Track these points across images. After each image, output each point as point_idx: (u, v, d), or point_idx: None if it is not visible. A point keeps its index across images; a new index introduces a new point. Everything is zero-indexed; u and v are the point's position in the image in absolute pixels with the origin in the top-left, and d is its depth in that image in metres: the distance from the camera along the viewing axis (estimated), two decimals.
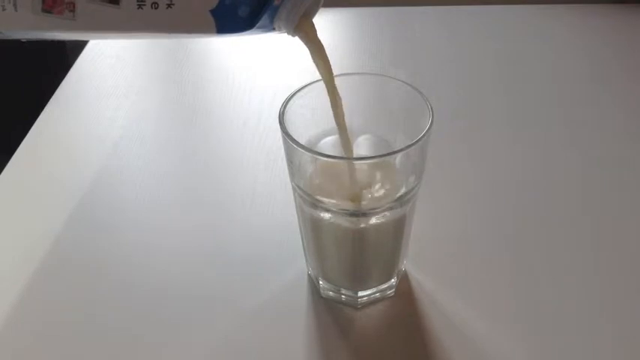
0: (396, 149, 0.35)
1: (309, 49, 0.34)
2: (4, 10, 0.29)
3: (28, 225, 0.49)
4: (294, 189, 0.38)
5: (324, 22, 0.72)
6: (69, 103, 0.62)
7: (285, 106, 0.36)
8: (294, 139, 0.34)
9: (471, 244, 0.45)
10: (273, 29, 0.32)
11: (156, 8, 0.28)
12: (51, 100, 0.62)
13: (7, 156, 0.55)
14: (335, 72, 0.36)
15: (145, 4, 0.28)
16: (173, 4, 0.28)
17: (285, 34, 0.33)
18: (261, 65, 0.66)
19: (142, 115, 0.60)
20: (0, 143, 0.73)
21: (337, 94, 0.35)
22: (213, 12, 0.28)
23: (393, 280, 0.42)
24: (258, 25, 0.30)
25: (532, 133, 0.55)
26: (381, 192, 0.37)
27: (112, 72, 0.65)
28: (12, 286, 0.44)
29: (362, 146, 0.40)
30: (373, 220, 0.37)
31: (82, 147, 0.56)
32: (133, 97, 0.62)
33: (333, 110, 0.36)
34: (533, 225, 0.47)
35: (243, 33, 0.30)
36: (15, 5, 0.29)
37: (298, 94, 0.37)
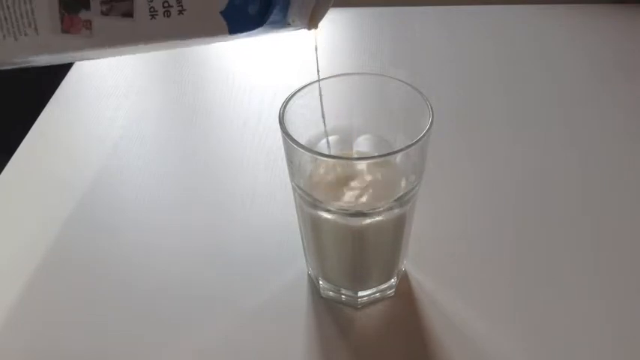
0: (396, 149, 0.35)
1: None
2: (26, 35, 0.30)
3: (28, 225, 0.49)
4: (294, 189, 0.38)
5: (324, 22, 0.72)
6: (69, 103, 0.62)
7: (285, 106, 0.36)
8: (294, 139, 0.34)
9: (471, 244, 0.45)
10: (288, 25, 0.32)
11: (168, 16, 0.28)
12: (51, 100, 0.62)
13: (7, 156, 0.55)
14: (335, 72, 0.36)
15: (157, 14, 0.28)
16: (185, 10, 0.28)
17: (301, 29, 0.33)
18: (261, 65, 0.66)
19: (142, 115, 0.60)
20: (0, 143, 0.73)
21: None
22: (224, 13, 0.29)
23: (393, 280, 0.42)
24: (270, 20, 0.30)
25: (532, 133, 0.55)
26: (381, 192, 0.37)
27: (112, 72, 0.65)
28: (12, 286, 0.44)
29: (362, 146, 0.40)
30: (373, 220, 0.37)
31: (82, 147, 0.56)
32: (133, 97, 0.62)
33: None
34: (533, 225, 0.47)
35: (256, 31, 0.30)
36: (36, 29, 0.30)
37: (298, 94, 0.37)
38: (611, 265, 0.43)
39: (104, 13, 0.29)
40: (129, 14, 0.29)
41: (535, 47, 0.67)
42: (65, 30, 0.29)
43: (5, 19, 0.30)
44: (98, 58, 0.33)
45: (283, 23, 0.31)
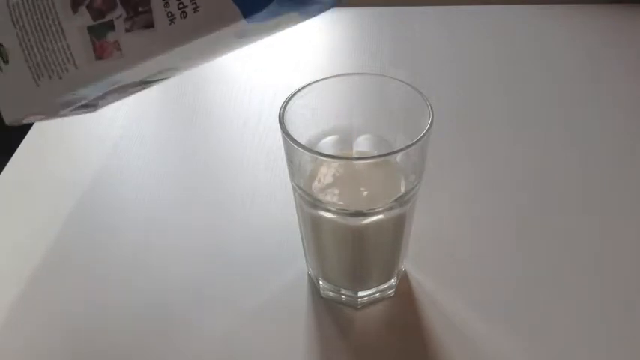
0: (396, 149, 0.35)
1: None
2: (67, 71, 0.31)
3: (29, 225, 0.49)
4: (294, 189, 0.38)
5: (325, 22, 0.72)
6: None
7: (285, 106, 0.36)
8: (294, 139, 0.34)
9: (471, 245, 0.45)
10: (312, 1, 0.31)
11: (185, 17, 0.29)
12: None
13: (7, 156, 0.55)
14: (335, 72, 0.36)
15: (175, 17, 0.29)
16: (199, 7, 0.29)
17: (327, 7, 0.32)
18: (261, 65, 0.66)
19: (142, 115, 0.60)
20: (0, 143, 0.73)
21: None
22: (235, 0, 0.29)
23: (393, 280, 0.42)
24: None
25: (532, 133, 0.55)
26: (381, 192, 0.37)
27: None
28: (12, 286, 0.44)
29: (362, 146, 0.40)
30: (373, 220, 0.37)
31: (82, 147, 0.56)
32: (133, 97, 0.62)
33: None
34: (533, 225, 0.47)
35: (270, 9, 0.30)
36: (75, 64, 0.31)
37: (298, 94, 0.37)
38: (611, 265, 0.43)
39: (128, 30, 0.29)
40: (150, 25, 0.29)
41: (535, 47, 0.67)
42: (99, 56, 0.30)
43: (47, 60, 0.31)
44: (138, 79, 0.33)
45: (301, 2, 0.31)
